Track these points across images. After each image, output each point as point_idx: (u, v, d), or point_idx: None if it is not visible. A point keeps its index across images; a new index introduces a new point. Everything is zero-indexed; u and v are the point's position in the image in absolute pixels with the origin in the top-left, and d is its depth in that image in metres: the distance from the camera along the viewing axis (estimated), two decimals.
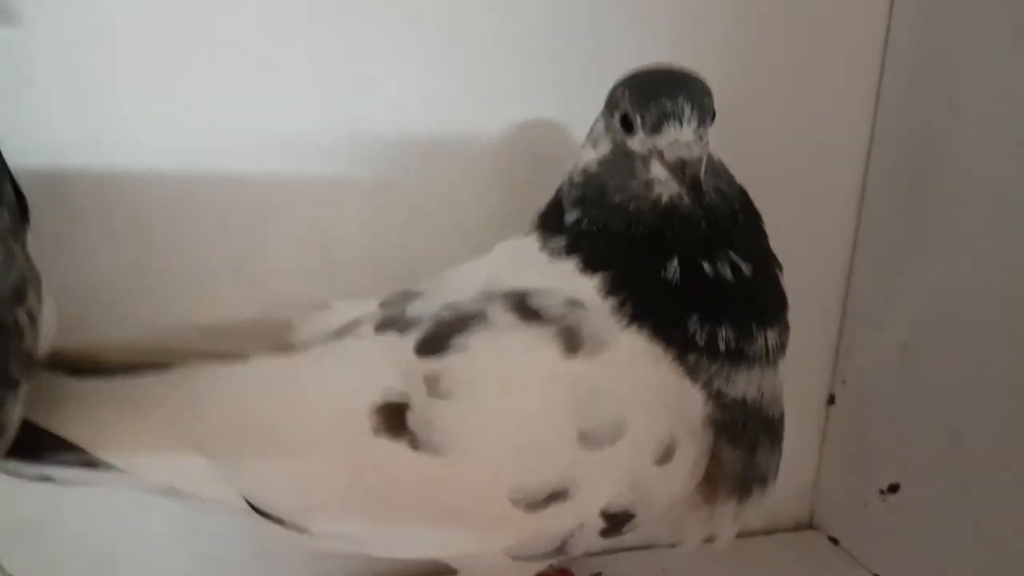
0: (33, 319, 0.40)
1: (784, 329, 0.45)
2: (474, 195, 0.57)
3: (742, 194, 0.46)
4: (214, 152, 0.53)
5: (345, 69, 0.53)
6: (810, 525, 0.71)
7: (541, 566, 0.46)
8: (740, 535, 0.63)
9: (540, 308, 0.42)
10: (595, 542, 0.42)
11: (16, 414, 0.40)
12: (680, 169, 0.40)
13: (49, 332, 0.43)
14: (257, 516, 0.43)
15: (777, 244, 0.46)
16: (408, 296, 0.46)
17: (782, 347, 0.45)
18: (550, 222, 0.46)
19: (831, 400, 0.68)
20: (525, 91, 0.56)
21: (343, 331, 0.47)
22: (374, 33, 0.53)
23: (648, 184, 0.42)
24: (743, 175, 0.46)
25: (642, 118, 0.41)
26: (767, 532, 0.69)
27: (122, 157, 0.51)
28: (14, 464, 0.44)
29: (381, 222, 0.57)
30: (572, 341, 0.40)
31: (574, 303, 0.42)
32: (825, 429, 0.69)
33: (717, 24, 0.58)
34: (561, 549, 0.42)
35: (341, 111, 0.54)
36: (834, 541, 0.68)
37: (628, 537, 0.61)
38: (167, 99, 0.51)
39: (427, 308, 0.44)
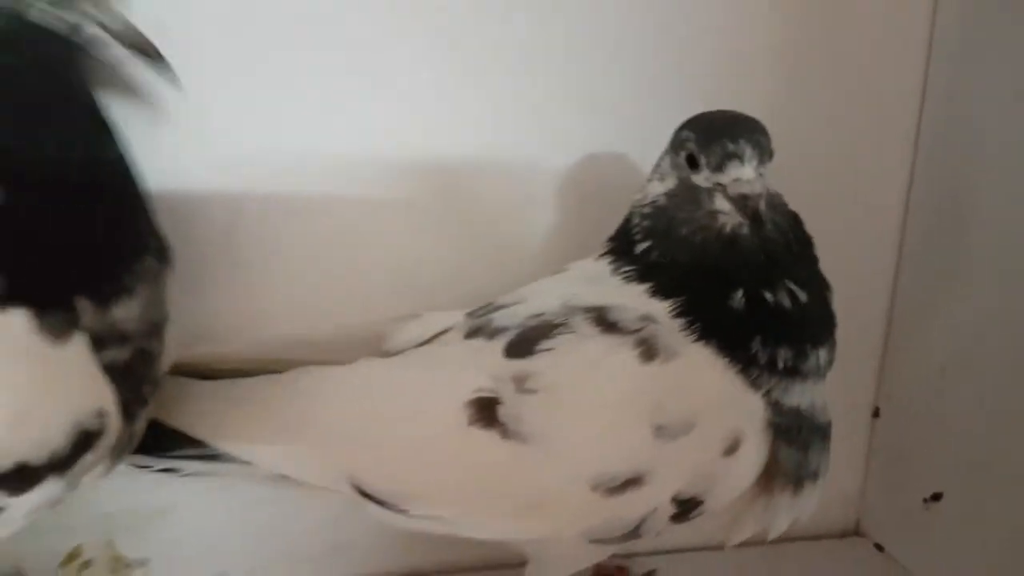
0: (164, 347, 0.46)
1: (832, 346, 0.50)
2: (537, 218, 0.63)
3: (795, 222, 0.51)
4: (310, 181, 0.59)
5: (418, 101, 0.59)
6: (856, 532, 0.74)
7: (612, 550, 0.51)
8: (790, 540, 0.69)
9: (618, 321, 0.47)
10: (666, 526, 0.47)
11: (143, 425, 0.46)
12: (743, 203, 0.45)
13: (173, 354, 0.48)
14: (362, 499, 0.49)
15: (826, 271, 0.51)
16: (493, 308, 0.52)
17: (830, 363, 0.50)
18: (620, 248, 0.52)
19: (876, 414, 0.72)
20: (586, 128, 0.62)
21: (434, 339, 0.53)
22: (450, 69, 0.59)
23: (713, 215, 0.47)
24: (797, 204, 0.51)
25: (707, 158, 0.46)
26: (815, 538, 0.73)
27: (242, 185, 0.57)
28: (143, 458, 0.50)
29: (454, 244, 0.62)
30: (647, 349, 0.46)
31: (648, 318, 0.47)
32: (871, 441, 0.73)
33: (761, 71, 0.63)
34: (635, 532, 0.47)
35: (418, 140, 0.59)
36: (879, 548, 0.72)
37: (684, 536, 0.67)
38: (264, 132, 0.57)
39: (512, 318, 0.50)
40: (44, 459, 0.39)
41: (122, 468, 0.48)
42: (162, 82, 0.48)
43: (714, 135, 0.47)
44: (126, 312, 0.42)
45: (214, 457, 0.50)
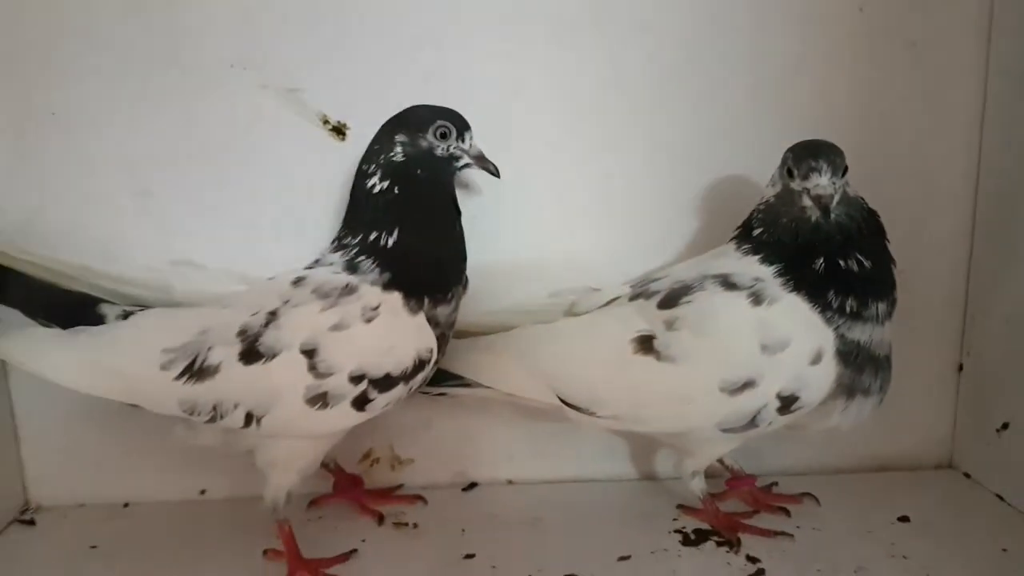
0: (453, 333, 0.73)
1: (891, 302, 0.70)
2: (681, 223, 0.85)
3: (870, 216, 0.71)
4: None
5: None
6: (949, 465, 0.91)
7: (742, 439, 0.73)
8: (896, 470, 0.89)
9: (736, 282, 0.70)
10: (775, 418, 0.69)
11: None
12: (819, 201, 0.67)
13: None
14: (565, 407, 0.74)
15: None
16: (648, 280, 0.76)
17: (889, 313, 0.70)
18: (742, 234, 0.74)
19: (960, 368, 0.90)
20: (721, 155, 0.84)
21: (608, 303, 0.77)
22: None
23: (802, 208, 0.69)
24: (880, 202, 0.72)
25: (799, 170, 0.68)
26: (916, 469, 0.90)
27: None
28: (428, 388, 0.75)
29: (627, 246, 0.85)
30: (756, 298, 0.68)
31: (757, 279, 0.70)
32: (958, 390, 0.91)
33: (845, 102, 0.84)
34: (753, 423, 0.69)
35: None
36: (967, 475, 0.89)
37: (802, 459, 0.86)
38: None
39: (662, 285, 0.73)
40: (398, 372, 0.66)
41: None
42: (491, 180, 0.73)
43: (804, 155, 0.68)
44: (443, 312, 0.70)
45: (467, 385, 0.77)
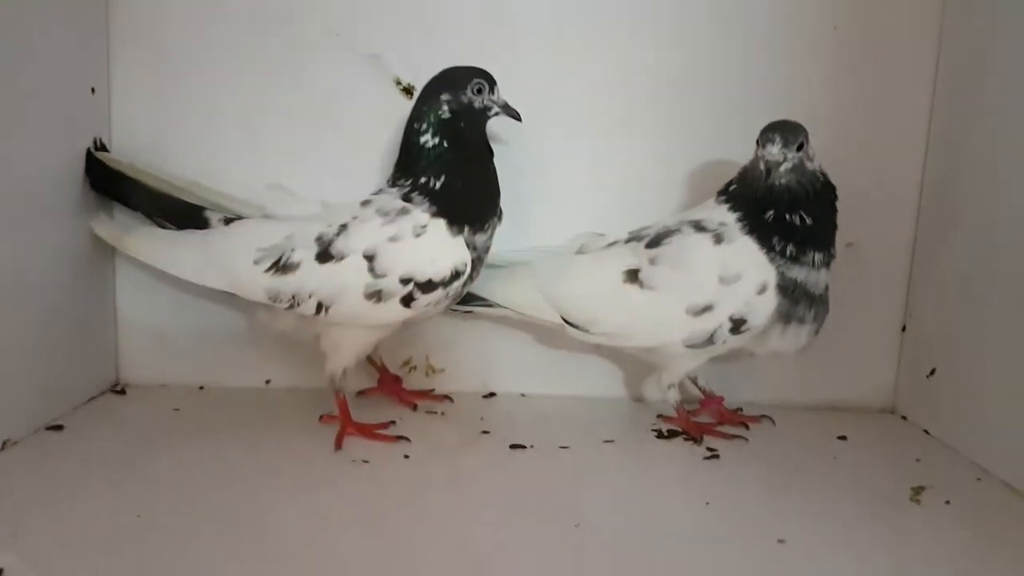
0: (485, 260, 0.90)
1: (827, 253, 0.87)
2: (678, 189, 1.04)
3: (825, 188, 0.88)
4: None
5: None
6: (892, 411, 1.08)
7: (704, 356, 0.91)
8: (848, 411, 1.06)
9: (705, 226, 0.88)
10: (728, 337, 0.87)
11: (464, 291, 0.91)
12: (766, 165, 0.84)
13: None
14: (566, 325, 0.93)
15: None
16: (643, 229, 0.94)
17: (825, 263, 0.87)
18: (724, 187, 0.91)
19: (904, 328, 1.07)
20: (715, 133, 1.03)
21: (609, 246, 0.96)
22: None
23: (758, 172, 0.86)
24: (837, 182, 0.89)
25: (760, 142, 0.86)
26: (865, 412, 1.07)
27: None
28: (458, 306, 0.95)
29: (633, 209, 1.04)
30: (718, 238, 0.87)
31: (722, 224, 0.88)
32: (901, 348, 1.08)
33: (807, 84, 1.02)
34: (711, 340, 0.87)
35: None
36: (904, 418, 1.06)
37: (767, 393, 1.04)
38: None
39: (653, 230, 0.92)
40: (439, 279, 0.83)
41: (440, 316, 0.94)
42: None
43: (766, 129, 0.86)
44: (480, 239, 0.87)
45: (490, 306, 0.95)
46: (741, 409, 1.03)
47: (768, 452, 0.91)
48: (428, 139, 0.86)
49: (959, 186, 0.98)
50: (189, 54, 0.98)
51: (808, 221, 0.86)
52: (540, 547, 0.68)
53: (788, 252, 0.85)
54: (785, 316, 0.86)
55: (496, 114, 0.88)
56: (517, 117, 0.89)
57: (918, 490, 0.81)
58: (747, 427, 0.97)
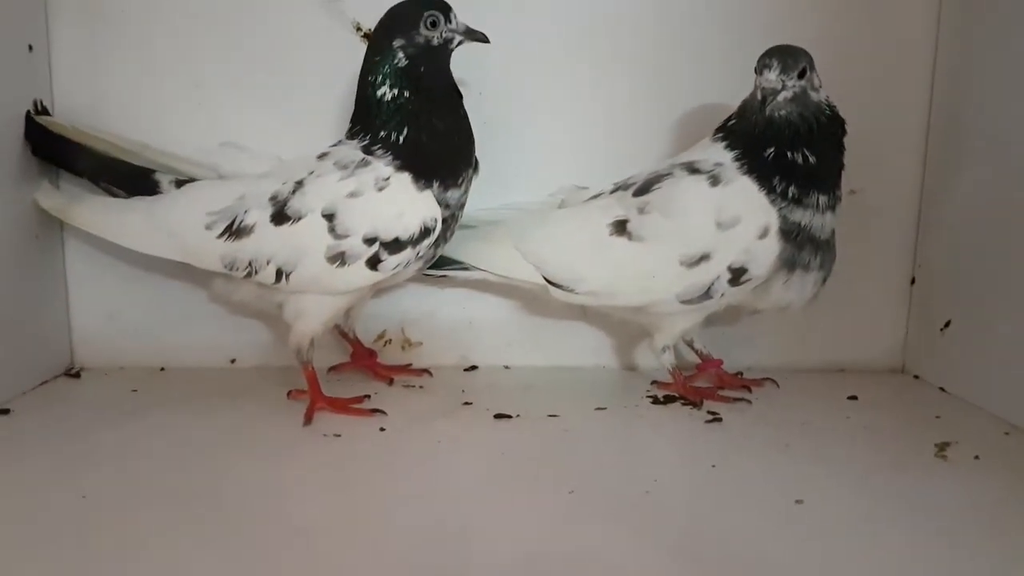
0: (461, 217, 0.82)
1: (832, 195, 0.80)
2: (668, 137, 0.96)
3: (831, 121, 0.80)
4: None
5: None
6: (902, 370, 1.01)
7: (701, 313, 0.84)
8: (859, 372, 0.99)
9: (700, 167, 0.81)
10: (727, 289, 0.80)
11: (439, 253, 0.83)
12: (762, 93, 0.77)
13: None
14: (549, 285, 0.85)
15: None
16: (629, 178, 0.87)
17: (831, 206, 0.80)
18: (721, 126, 0.84)
19: (912, 281, 1.01)
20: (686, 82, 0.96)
21: (594, 197, 0.88)
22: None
23: (756, 103, 0.78)
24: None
25: (758, 69, 0.78)
26: (875, 372, 1.00)
27: None
28: (431, 271, 0.88)
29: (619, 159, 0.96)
30: (714, 179, 0.79)
31: (718, 164, 0.80)
32: (910, 303, 1.01)
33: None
34: (707, 294, 0.80)
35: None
36: (916, 377, 0.99)
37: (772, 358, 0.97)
38: None
39: (640, 176, 0.84)
40: (406, 237, 0.76)
41: (415, 285, 0.87)
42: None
43: (763, 56, 0.78)
44: (453, 196, 0.79)
45: (466, 268, 0.88)
46: (741, 374, 0.96)
47: (774, 415, 0.84)
48: (386, 91, 0.78)
49: (967, 123, 0.91)
50: (134, 4, 0.91)
51: (811, 160, 0.79)
52: (532, 514, 0.62)
53: (790, 193, 0.78)
54: (789, 263, 0.79)
55: (460, 43, 0.79)
56: (484, 39, 0.80)
57: (943, 446, 0.75)
58: (750, 390, 0.90)
